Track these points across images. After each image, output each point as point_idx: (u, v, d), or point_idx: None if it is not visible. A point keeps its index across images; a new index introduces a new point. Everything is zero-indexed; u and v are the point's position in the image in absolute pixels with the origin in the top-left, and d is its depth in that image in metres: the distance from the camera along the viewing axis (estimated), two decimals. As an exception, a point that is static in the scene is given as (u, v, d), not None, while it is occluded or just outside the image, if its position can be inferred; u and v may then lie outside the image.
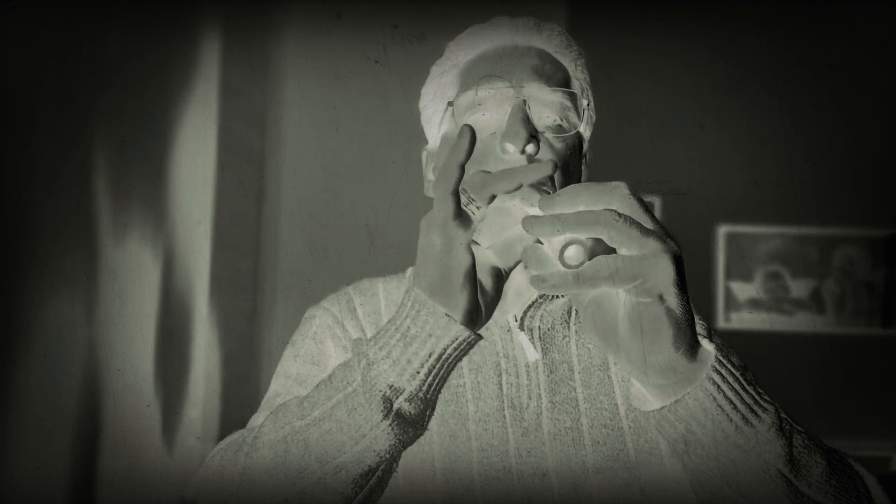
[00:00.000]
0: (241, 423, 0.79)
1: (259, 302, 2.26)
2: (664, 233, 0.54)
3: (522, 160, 0.73)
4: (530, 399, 0.78)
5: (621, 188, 0.54)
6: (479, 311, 0.60)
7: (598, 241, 0.54)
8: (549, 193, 0.56)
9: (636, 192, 0.54)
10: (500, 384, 0.79)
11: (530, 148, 0.72)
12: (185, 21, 1.87)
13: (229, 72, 2.01)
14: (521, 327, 0.82)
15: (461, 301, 0.58)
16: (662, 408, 0.58)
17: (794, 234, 2.59)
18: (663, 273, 0.53)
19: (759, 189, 2.50)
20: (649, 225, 0.54)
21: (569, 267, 0.53)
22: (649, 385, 0.58)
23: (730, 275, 2.60)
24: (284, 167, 2.32)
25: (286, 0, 2.27)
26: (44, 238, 1.30)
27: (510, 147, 0.73)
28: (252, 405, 0.83)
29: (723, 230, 2.60)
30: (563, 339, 0.82)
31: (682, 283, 0.54)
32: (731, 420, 0.57)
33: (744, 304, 2.60)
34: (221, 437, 0.73)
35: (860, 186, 2.53)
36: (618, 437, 0.77)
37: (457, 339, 0.58)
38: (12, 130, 1.21)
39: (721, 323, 2.57)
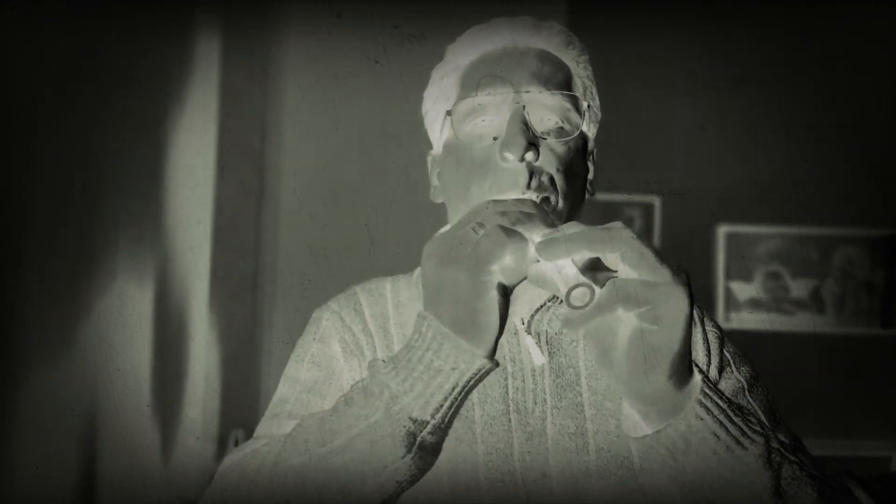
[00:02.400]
0: (241, 423, 0.79)
1: (259, 302, 2.26)
2: (676, 266, 0.56)
3: (522, 168, 0.73)
4: (535, 403, 0.78)
5: (623, 232, 0.56)
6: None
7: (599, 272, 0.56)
8: (549, 216, 0.58)
9: (638, 235, 0.56)
10: (507, 388, 0.79)
11: (529, 156, 0.73)
12: (185, 21, 1.87)
13: (229, 72, 2.01)
14: (528, 331, 0.82)
15: (487, 338, 0.59)
16: (646, 436, 0.59)
17: (794, 234, 2.59)
18: (674, 303, 0.55)
19: (759, 189, 2.50)
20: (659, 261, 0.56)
21: (574, 308, 0.55)
22: (635, 409, 0.60)
23: (730, 275, 2.60)
24: (284, 167, 2.32)
25: (286, 0, 2.27)
26: (44, 239, 1.30)
27: (509, 156, 0.73)
28: (252, 405, 0.83)
29: (723, 230, 2.60)
30: (570, 344, 0.82)
31: (690, 316, 0.55)
32: (714, 452, 0.58)
33: (744, 304, 2.60)
34: (221, 437, 0.73)
35: (860, 186, 2.52)
36: (622, 444, 0.76)
37: (480, 370, 0.60)
38: (12, 130, 1.21)
39: (721, 323, 2.57)
